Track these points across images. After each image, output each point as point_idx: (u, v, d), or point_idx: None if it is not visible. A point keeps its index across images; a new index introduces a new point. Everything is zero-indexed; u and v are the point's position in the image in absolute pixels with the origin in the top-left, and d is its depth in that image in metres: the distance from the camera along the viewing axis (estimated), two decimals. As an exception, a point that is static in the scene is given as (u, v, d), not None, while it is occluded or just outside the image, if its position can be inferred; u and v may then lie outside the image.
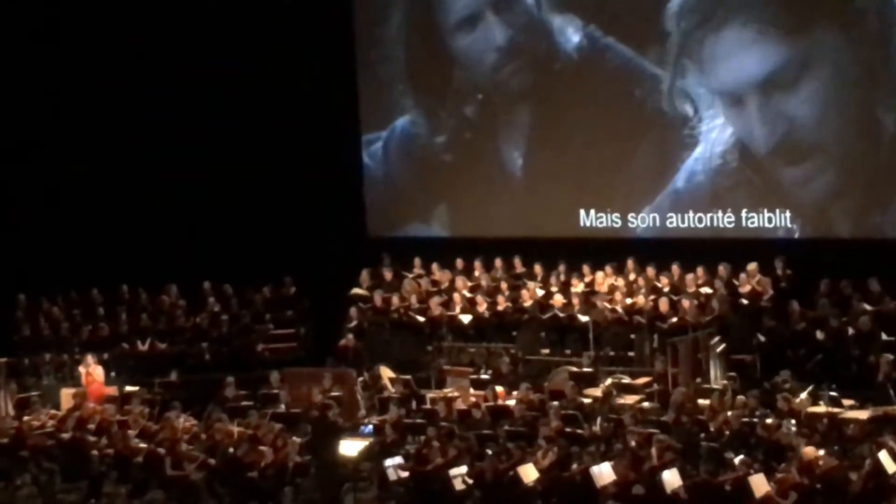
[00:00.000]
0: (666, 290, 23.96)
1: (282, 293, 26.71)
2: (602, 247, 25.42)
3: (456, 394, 22.22)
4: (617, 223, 25.86)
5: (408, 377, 23.22)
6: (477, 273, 25.83)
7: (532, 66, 26.42)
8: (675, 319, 23.21)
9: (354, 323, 25.23)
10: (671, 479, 17.85)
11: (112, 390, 23.67)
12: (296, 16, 27.10)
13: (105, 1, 27.09)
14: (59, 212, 27.19)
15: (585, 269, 25.03)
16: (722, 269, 23.92)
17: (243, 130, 27.36)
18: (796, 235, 24.41)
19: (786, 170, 24.32)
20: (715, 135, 24.78)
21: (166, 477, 19.92)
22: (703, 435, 19.65)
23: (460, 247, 26.52)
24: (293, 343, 26.10)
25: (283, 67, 27.11)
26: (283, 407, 22.14)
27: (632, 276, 24.64)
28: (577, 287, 24.66)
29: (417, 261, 26.46)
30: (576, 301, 24.17)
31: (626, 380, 22.48)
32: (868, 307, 22.41)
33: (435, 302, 25.10)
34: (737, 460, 18.32)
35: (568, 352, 23.99)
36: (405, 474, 19.43)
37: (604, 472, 18.21)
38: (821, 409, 20.23)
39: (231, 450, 20.02)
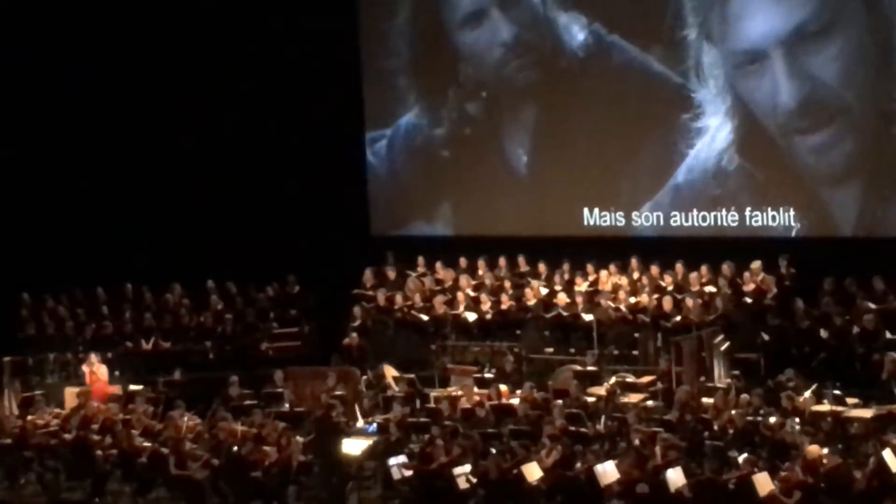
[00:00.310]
0: (670, 288, 23.95)
1: (286, 292, 26.71)
2: (606, 245, 25.40)
3: (460, 392, 22.20)
4: (621, 222, 25.84)
5: (411, 376, 23.23)
6: (481, 272, 25.84)
7: (537, 63, 26.41)
8: (678, 318, 23.19)
9: (358, 322, 25.23)
10: (675, 477, 17.86)
11: (116, 389, 23.68)
12: (301, 13, 27.08)
13: (107, 0, 27.11)
14: (63, 210, 27.20)
15: (589, 267, 25.03)
16: (726, 267, 23.91)
17: (248, 128, 27.40)
18: (797, 234, 24.34)
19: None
20: (718, 129, 24.73)
21: (170, 476, 19.91)
22: (706, 433, 19.64)
23: (464, 245, 26.53)
24: (297, 342, 26.09)
25: (287, 65, 27.13)
26: (287, 406, 22.15)
27: (636, 275, 24.63)
28: (581, 286, 24.66)
29: (421, 259, 26.48)
30: (580, 300, 24.16)
31: (630, 378, 22.44)
32: (872, 305, 22.36)
33: (439, 301, 25.09)
34: (741, 459, 18.32)
35: (572, 350, 24.00)
36: (409, 473, 19.43)
37: (608, 471, 18.21)
38: (825, 407, 20.19)
39: (235, 449, 20.03)
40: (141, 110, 27.24)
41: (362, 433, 20.76)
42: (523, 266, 25.81)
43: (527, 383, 22.08)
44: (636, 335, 23.74)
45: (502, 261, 25.88)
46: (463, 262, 26.09)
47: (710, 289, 23.72)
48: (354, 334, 24.87)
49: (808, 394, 20.46)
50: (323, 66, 27.25)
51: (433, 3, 27.40)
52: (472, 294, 25.19)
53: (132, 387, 23.59)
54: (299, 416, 21.70)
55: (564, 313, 24.13)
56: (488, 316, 24.71)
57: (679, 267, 24.27)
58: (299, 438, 20.30)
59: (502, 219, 26.90)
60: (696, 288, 23.76)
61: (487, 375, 23.22)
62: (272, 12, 27.18)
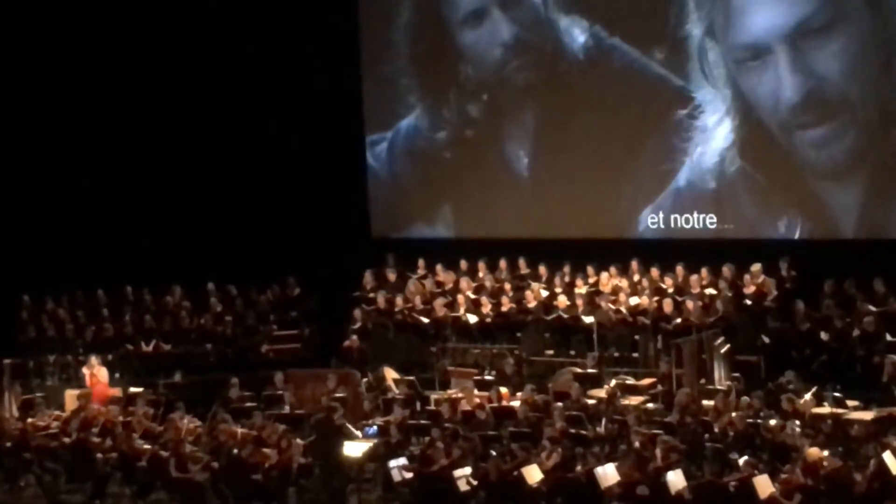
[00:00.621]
0: (670, 291, 23.94)
1: (286, 294, 26.72)
2: (606, 248, 25.39)
3: (460, 395, 22.17)
4: (621, 224, 25.83)
5: (412, 378, 23.22)
6: (481, 274, 25.83)
7: (537, 64, 26.42)
8: (679, 320, 23.19)
9: (359, 324, 25.23)
10: (676, 479, 17.85)
11: (116, 391, 23.69)
12: (301, 15, 27.08)
13: (108, 1, 27.11)
14: (63, 212, 27.19)
15: (590, 269, 25.02)
16: (726, 269, 23.91)
17: (248, 131, 27.39)
18: (797, 236, 24.34)
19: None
20: (719, 131, 24.74)
21: (171, 478, 19.89)
22: (707, 436, 19.64)
23: (464, 248, 26.53)
24: (297, 344, 26.11)
25: (287, 67, 27.13)
26: (287, 408, 22.14)
27: (636, 277, 24.63)
28: (582, 288, 24.65)
29: (422, 261, 26.48)
30: (580, 302, 24.16)
31: (631, 381, 22.46)
32: (873, 308, 22.37)
33: (439, 303, 25.09)
34: (741, 461, 18.33)
35: (572, 353, 23.99)
36: (409, 475, 19.42)
37: (608, 473, 18.21)
38: (825, 409, 20.19)
39: (235, 451, 20.02)
40: (141, 112, 27.23)
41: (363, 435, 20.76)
42: (524, 268, 25.81)
43: (527, 385, 22.08)
44: (636, 337, 23.74)
45: (503, 263, 25.87)
46: (463, 264, 26.09)
47: (710, 291, 23.71)
48: (355, 336, 24.87)
49: (808, 396, 20.46)
50: (323, 68, 27.26)
51: (434, 3, 27.41)
52: (472, 296, 25.19)
53: (132, 389, 23.58)
54: (299, 419, 21.69)
55: (565, 315, 24.12)
56: (489, 318, 24.70)
57: (679, 269, 24.26)
58: (299, 441, 20.30)
59: (503, 221, 26.90)
60: (696, 290, 23.75)
61: (488, 378, 23.21)
62: (272, 14, 27.18)
